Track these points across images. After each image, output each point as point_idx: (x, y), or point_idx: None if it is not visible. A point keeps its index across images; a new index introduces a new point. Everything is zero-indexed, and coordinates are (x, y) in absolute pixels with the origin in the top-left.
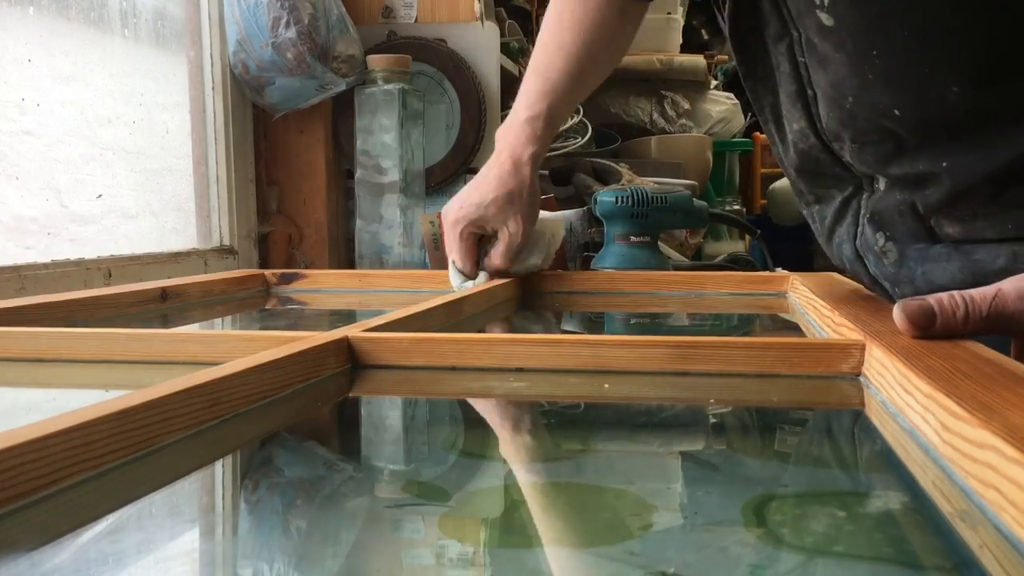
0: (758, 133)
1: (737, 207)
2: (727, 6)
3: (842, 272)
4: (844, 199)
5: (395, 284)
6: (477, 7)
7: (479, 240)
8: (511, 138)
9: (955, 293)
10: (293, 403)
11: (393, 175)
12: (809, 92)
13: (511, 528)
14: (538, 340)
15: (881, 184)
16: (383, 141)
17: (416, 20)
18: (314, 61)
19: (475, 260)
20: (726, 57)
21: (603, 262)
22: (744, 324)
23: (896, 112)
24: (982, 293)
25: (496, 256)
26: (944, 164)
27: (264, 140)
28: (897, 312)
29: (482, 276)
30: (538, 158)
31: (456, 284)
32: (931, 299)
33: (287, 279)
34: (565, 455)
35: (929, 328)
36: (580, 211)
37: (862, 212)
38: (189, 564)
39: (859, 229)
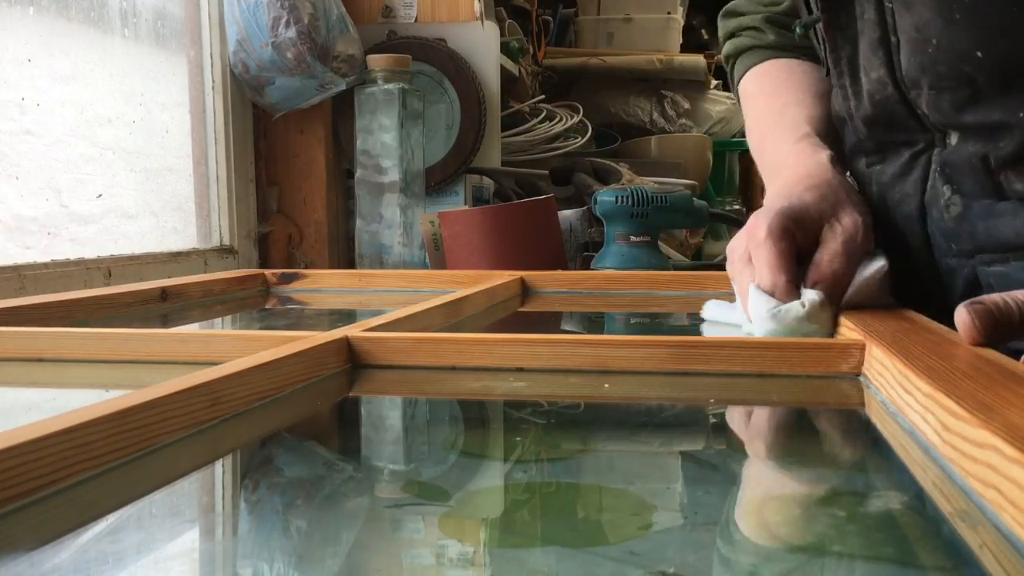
0: None
1: (737, 207)
2: None
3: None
4: (913, 154)
5: (395, 284)
6: (477, 7)
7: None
8: (789, 162)
9: (1006, 296)
10: (293, 403)
11: (393, 175)
12: (892, 39)
13: (511, 528)
14: (538, 340)
15: (953, 139)
16: (383, 141)
17: (416, 20)
18: (314, 61)
19: (793, 272)
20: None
21: (603, 262)
22: None
23: (978, 54)
24: None
25: (828, 257)
26: (1021, 115)
27: (264, 140)
28: (964, 314)
29: (811, 295)
30: (836, 159)
31: (762, 313)
32: (987, 301)
33: (287, 279)
34: (565, 455)
35: (995, 331)
36: (580, 211)
37: (933, 167)
38: (189, 564)
39: (929, 183)
